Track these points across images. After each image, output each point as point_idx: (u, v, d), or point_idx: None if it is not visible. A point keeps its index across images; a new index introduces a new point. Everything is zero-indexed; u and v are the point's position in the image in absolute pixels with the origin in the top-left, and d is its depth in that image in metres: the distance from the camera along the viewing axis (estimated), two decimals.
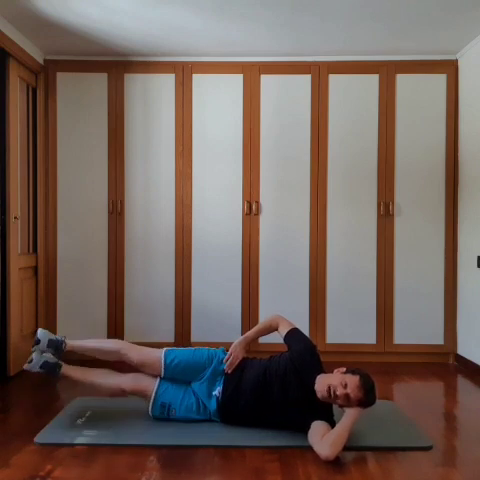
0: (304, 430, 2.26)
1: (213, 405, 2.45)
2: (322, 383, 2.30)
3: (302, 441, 2.24)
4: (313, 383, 2.33)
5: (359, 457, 2.15)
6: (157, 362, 2.51)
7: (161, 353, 2.55)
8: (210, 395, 2.47)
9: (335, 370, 2.35)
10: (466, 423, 2.63)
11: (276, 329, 2.62)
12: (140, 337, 3.74)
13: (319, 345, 3.63)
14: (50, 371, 2.49)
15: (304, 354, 2.45)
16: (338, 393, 2.22)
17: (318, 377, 2.35)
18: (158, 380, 2.51)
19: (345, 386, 2.23)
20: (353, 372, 2.29)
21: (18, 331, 3.42)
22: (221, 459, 2.13)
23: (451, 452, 2.29)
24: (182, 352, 2.58)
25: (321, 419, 2.26)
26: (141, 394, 2.52)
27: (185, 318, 3.77)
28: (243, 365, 2.51)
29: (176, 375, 2.51)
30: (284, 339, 2.56)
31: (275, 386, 2.39)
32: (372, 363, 3.68)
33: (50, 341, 2.53)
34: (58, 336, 2.60)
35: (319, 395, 2.29)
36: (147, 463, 2.07)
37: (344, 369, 2.33)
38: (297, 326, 2.60)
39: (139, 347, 2.61)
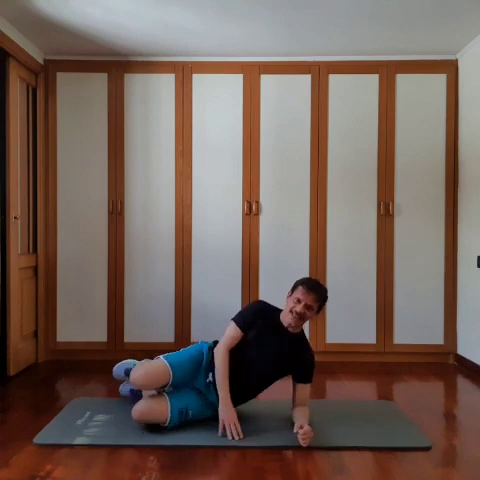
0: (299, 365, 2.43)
1: (212, 392, 2.43)
2: (284, 315, 2.43)
3: None
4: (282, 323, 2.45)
5: (359, 457, 2.15)
6: (163, 368, 2.39)
7: (161, 359, 2.46)
8: (207, 384, 2.44)
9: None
10: (466, 423, 2.62)
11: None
12: (140, 337, 3.75)
13: (319, 345, 3.64)
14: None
15: (255, 318, 2.50)
16: (299, 310, 2.35)
17: (280, 316, 2.47)
18: (166, 397, 2.37)
19: (299, 301, 2.36)
20: (295, 287, 2.43)
21: (18, 331, 3.42)
22: (221, 459, 2.13)
23: (451, 452, 2.29)
24: (177, 353, 2.56)
25: (302, 352, 2.44)
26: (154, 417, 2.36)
27: (185, 318, 3.77)
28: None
29: (184, 373, 2.42)
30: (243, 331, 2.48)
31: (255, 352, 2.44)
32: (372, 363, 3.68)
33: (127, 370, 2.67)
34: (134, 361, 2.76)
35: (290, 327, 2.40)
36: (147, 463, 2.07)
37: (290, 292, 2.46)
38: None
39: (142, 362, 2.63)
